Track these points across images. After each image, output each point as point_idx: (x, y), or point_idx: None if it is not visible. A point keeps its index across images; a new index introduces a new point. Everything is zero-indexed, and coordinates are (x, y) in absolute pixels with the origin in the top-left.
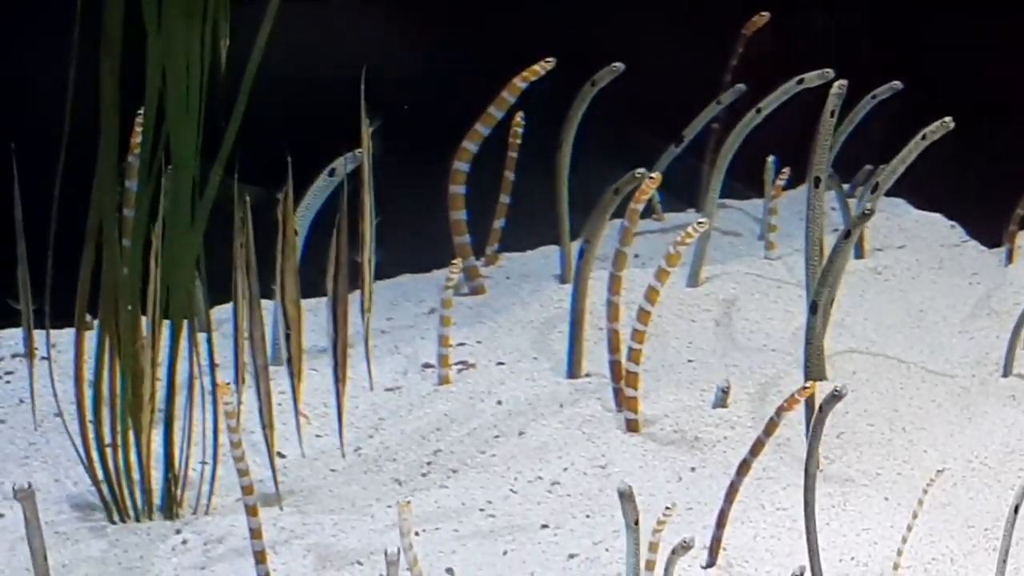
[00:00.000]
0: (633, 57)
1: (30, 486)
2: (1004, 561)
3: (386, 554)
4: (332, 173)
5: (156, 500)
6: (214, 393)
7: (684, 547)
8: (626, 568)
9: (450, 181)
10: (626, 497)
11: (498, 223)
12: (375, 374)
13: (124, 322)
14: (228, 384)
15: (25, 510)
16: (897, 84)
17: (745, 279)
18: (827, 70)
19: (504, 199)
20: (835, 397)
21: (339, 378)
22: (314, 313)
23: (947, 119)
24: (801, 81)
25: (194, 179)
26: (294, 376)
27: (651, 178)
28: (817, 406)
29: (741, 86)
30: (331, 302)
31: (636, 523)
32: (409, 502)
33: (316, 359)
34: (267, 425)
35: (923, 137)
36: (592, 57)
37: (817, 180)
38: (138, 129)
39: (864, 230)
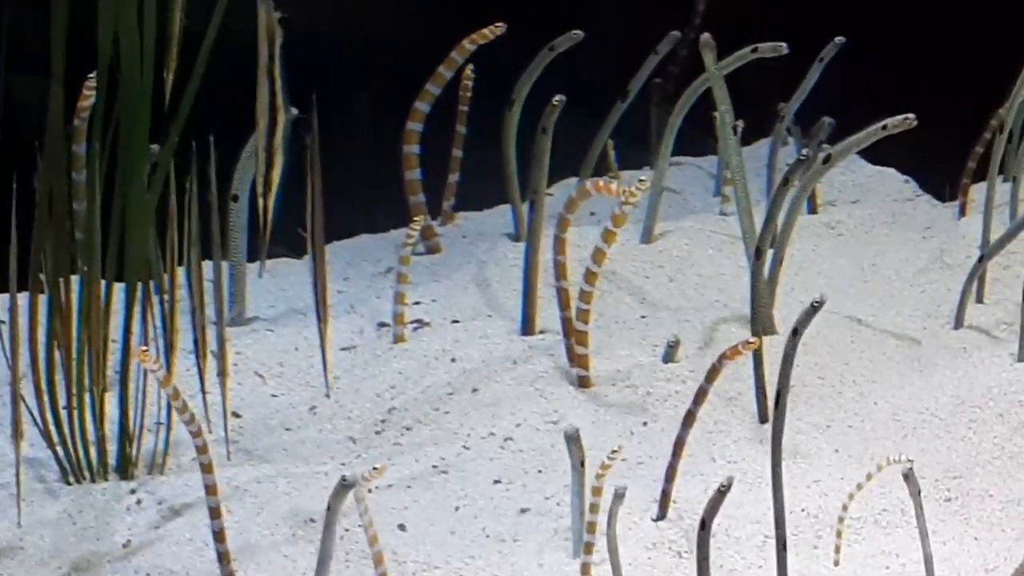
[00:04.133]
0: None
1: None
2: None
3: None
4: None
5: (111, 461)
6: (168, 355)
7: (619, 496)
8: (571, 510)
9: (404, 141)
10: (572, 440)
11: (452, 177)
12: (331, 333)
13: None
14: (145, 350)
15: None
16: (840, 39)
17: (699, 235)
18: (782, 44)
19: (457, 153)
20: (815, 309)
21: (323, 328)
22: (271, 275)
23: (911, 116)
24: (755, 50)
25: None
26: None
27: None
28: (782, 352)
29: (676, 33)
30: (312, 259)
31: (582, 464)
32: (380, 467)
33: (273, 321)
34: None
35: (883, 127)
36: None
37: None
38: (87, 92)
39: (817, 185)
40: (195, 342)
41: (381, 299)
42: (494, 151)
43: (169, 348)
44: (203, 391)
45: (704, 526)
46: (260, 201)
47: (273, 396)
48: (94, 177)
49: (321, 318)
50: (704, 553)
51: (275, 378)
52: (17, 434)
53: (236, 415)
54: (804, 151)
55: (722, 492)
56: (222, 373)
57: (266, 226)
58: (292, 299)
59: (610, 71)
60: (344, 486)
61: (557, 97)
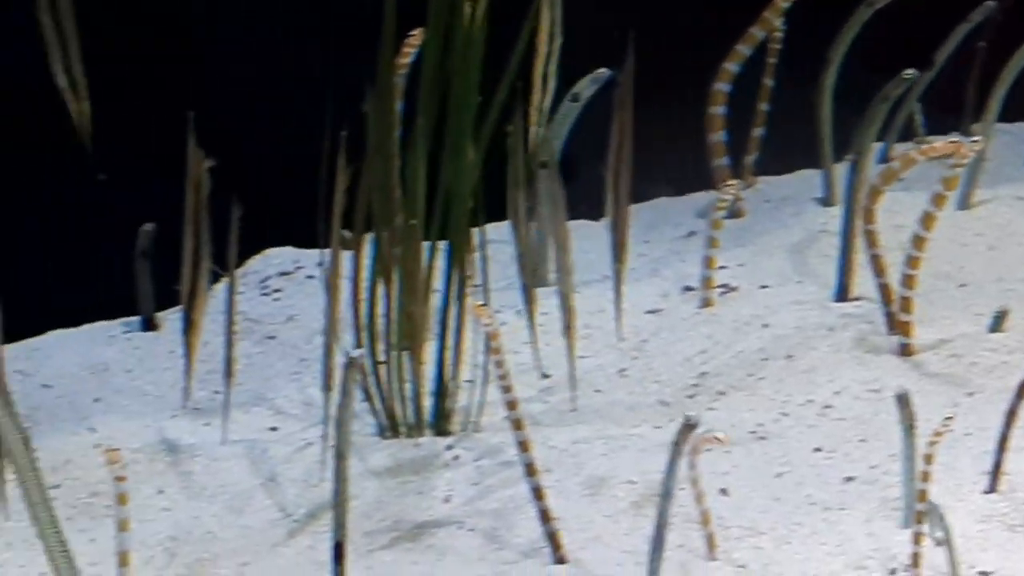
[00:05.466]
0: None
1: None
2: None
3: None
4: (575, 99)
5: (427, 417)
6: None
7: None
8: (903, 474)
9: (709, 102)
10: (903, 402)
11: (756, 132)
12: (635, 296)
13: (403, 239)
14: (483, 305)
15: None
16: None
17: (1019, 204)
18: None
19: (762, 106)
20: None
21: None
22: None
23: None
24: None
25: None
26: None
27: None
28: None
29: (990, 3)
30: (612, 221)
31: (912, 428)
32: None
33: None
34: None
35: None
36: None
37: None
38: (407, 50)
39: None
40: (525, 300)
41: (684, 263)
42: (789, 118)
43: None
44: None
45: None
46: (532, 130)
47: (581, 357)
48: (421, 136)
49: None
50: None
51: (582, 340)
52: (328, 386)
53: (545, 376)
54: None
55: None
56: (568, 328)
57: (532, 152)
58: (593, 262)
59: (912, 35)
60: (689, 425)
61: (908, 71)
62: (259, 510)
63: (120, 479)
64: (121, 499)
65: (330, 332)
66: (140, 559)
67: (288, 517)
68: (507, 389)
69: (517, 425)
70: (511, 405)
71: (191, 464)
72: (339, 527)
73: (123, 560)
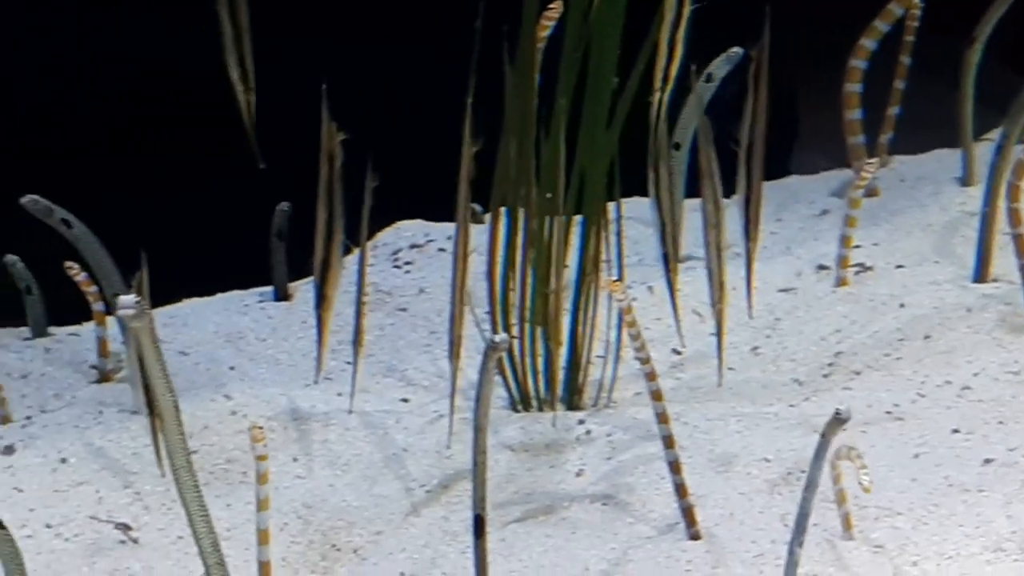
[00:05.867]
0: None
1: None
2: None
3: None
4: (709, 78)
5: (558, 392)
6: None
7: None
8: None
9: (846, 79)
10: None
11: (892, 110)
12: (768, 274)
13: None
14: (617, 281)
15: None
16: None
17: None
18: None
19: (898, 84)
20: None
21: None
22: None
23: None
24: None
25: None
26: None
27: None
28: None
29: None
30: (744, 199)
31: None
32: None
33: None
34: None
35: None
36: None
37: None
38: (545, 23)
39: None
40: (666, 274)
41: (818, 241)
42: (924, 97)
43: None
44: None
45: None
46: (656, 95)
47: (712, 335)
48: (560, 109)
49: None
50: None
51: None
52: (455, 355)
53: (677, 352)
54: None
55: None
56: (717, 304)
57: (657, 121)
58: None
59: None
60: (838, 419)
61: None
62: (392, 480)
63: (261, 458)
64: (262, 479)
65: (456, 301)
66: (275, 526)
67: (421, 487)
68: (645, 361)
69: (656, 396)
70: (650, 377)
71: (325, 433)
72: (479, 501)
73: (263, 538)
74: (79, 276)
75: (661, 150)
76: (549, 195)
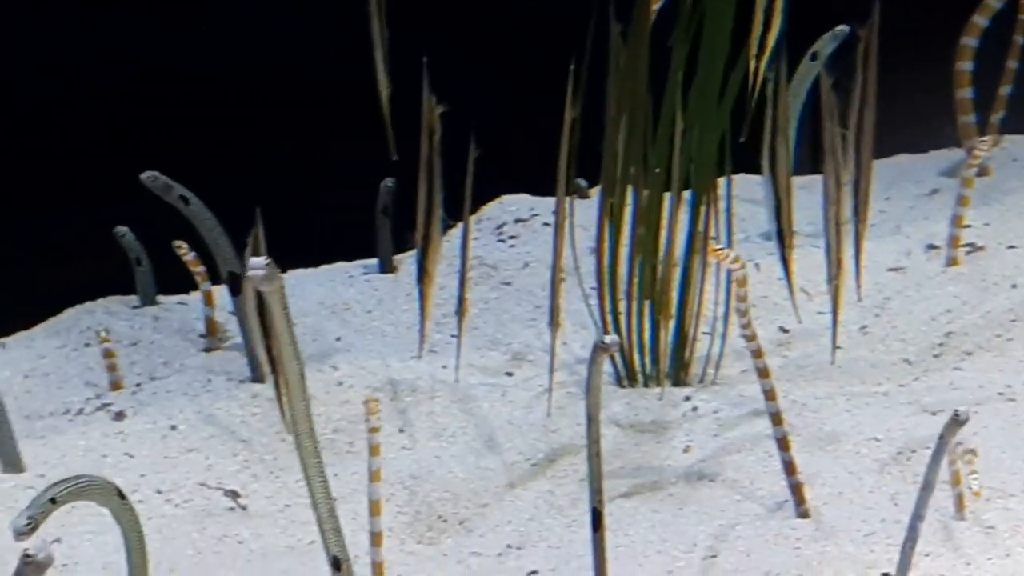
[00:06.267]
0: None
1: None
2: None
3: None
4: (814, 57)
5: (664, 368)
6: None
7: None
8: None
9: (957, 57)
10: None
11: (1004, 90)
12: (877, 253)
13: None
14: (721, 248)
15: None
16: None
17: None
18: None
19: (1011, 64)
20: None
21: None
22: (807, 191)
23: None
24: None
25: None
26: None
27: None
28: None
29: None
30: (855, 177)
31: None
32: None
33: (815, 237)
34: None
35: None
36: None
37: None
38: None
39: None
40: (781, 250)
41: (928, 220)
42: None
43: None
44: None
45: None
46: (751, 63)
47: (820, 313)
48: (674, 82)
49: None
50: None
51: (821, 296)
52: (555, 323)
53: (784, 330)
54: None
55: None
56: (833, 281)
57: (754, 89)
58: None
59: None
60: (957, 421)
61: None
62: (497, 453)
63: (375, 430)
64: (375, 450)
65: (555, 268)
66: (391, 500)
67: (527, 461)
68: (751, 338)
69: (763, 374)
70: (756, 354)
71: (431, 405)
72: (595, 493)
73: (375, 509)
74: (188, 256)
75: (779, 125)
76: (658, 170)
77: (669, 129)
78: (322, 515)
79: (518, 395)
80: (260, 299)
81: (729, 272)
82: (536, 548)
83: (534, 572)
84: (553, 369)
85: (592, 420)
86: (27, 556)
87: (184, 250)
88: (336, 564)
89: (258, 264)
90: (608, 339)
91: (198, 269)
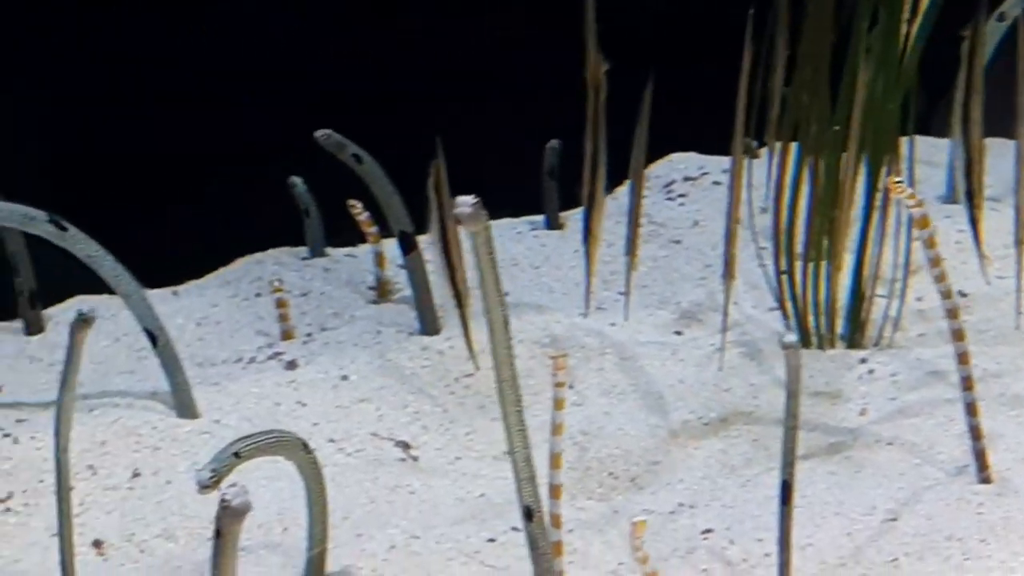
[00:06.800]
0: None
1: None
2: None
3: None
4: (1001, 18)
5: (839, 330)
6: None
7: None
8: None
9: None
10: None
11: None
12: None
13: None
14: (900, 181)
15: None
16: None
17: None
18: None
19: None
20: None
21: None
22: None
23: None
24: None
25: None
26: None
27: None
28: None
29: None
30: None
31: None
32: None
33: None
34: None
35: None
36: None
37: None
38: None
39: None
40: (969, 210)
41: None
42: None
43: None
44: None
45: None
46: (903, 27)
47: (999, 277)
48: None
49: None
50: None
51: (999, 260)
52: (729, 275)
53: (963, 294)
54: None
55: None
56: (1021, 241)
57: (905, 50)
58: (1009, 182)
59: None
60: None
61: None
62: (668, 411)
63: (560, 385)
64: (559, 404)
65: (731, 216)
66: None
67: (699, 420)
68: (946, 295)
69: (958, 336)
70: (952, 314)
71: (600, 362)
72: (787, 466)
73: (556, 462)
74: (362, 215)
75: (973, 85)
76: (837, 128)
77: (851, 87)
78: (519, 464)
79: (689, 353)
80: (445, 241)
81: (909, 231)
82: (709, 507)
83: (708, 531)
84: (726, 327)
85: (792, 395)
86: (224, 502)
87: (358, 209)
88: (528, 514)
89: (466, 202)
90: (789, 338)
91: (371, 229)
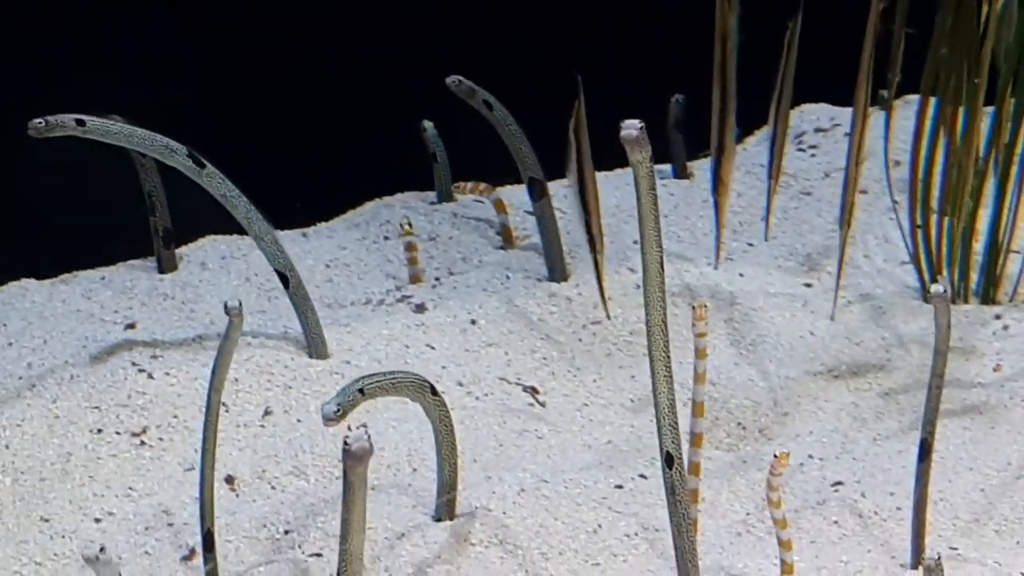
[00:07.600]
0: None
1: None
2: None
3: None
4: None
5: (972, 285)
6: None
7: None
8: None
9: None
10: None
11: None
12: None
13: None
14: None
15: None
16: None
17: None
18: None
19: None
20: None
21: None
22: None
23: None
24: None
25: None
26: None
27: None
28: None
29: None
30: None
31: None
32: None
33: None
34: None
35: None
36: None
37: None
38: None
39: None
40: None
41: None
42: None
43: None
44: None
45: None
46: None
47: None
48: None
49: None
50: None
51: None
52: (846, 222)
53: None
54: None
55: None
56: None
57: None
58: None
59: None
60: None
61: None
62: (798, 362)
63: (702, 335)
64: (701, 353)
65: (852, 161)
66: (679, 402)
67: (829, 372)
68: None
69: None
70: None
71: (729, 312)
72: (928, 424)
73: (699, 411)
74: (467, 184)
75: None
76: (977, 80)
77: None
78: (663, 410)
79: (819, 305)
80: (582, 184)
81: None
82: (839, 460)
83: (839, 483)
84: (840, 274)
85: (939, 353)
86: (345, 446)
87: (461, 188)
88: (669, 460)
89: (633, 124)
90: (936, 287)
91: (481, 187)
